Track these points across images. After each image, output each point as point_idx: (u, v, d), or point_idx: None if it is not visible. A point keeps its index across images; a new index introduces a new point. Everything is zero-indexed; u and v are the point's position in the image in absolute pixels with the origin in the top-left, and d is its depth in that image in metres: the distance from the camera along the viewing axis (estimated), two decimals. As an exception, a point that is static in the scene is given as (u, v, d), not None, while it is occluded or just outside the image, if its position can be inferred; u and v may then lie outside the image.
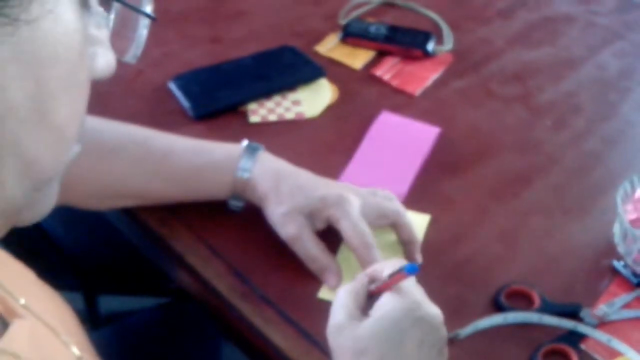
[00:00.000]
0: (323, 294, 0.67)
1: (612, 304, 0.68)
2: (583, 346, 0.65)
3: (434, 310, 0.55)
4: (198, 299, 0.70)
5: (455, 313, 0.66)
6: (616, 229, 0.73)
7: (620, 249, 0.72)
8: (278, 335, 0.64)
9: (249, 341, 0.66)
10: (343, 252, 0.70)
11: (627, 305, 0.68)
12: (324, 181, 0.70)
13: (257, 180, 0.68)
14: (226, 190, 0.70)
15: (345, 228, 0.66)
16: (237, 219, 0.73)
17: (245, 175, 0.68)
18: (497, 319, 0.66)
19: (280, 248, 0.68)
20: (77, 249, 0.81)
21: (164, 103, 0.87)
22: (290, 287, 0.68)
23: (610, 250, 0.73)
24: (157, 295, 1.06)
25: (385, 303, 0.55)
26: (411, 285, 0.56)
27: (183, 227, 0.72)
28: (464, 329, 0.65)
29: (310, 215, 0.67)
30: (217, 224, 0.73)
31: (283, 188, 0.68)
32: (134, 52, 0.46)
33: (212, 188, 0.70)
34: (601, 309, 0.67)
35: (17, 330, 0.40)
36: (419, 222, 0.74)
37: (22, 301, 0.44)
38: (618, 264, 0.71)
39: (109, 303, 1.15)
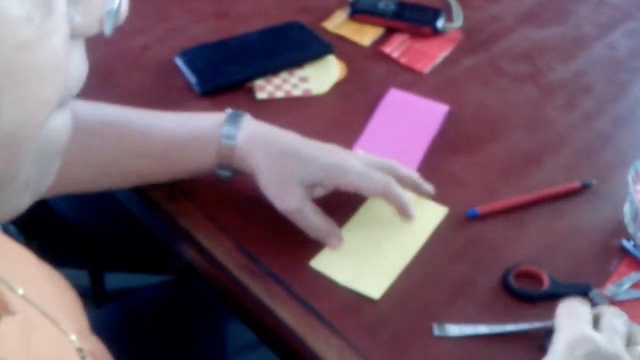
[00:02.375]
0: (316, 263, 0.67)
1: (621, 284, 0.67)
2: (593, 326, 0.64)
3: None
4: (206, 276, 0.70)
5: (463, 294, 0.66)
6: (626, 209, 0.73)
7: (631, 229, 0.71)
8: (286, 313, 0.64)
9: (256, 318, 0.66)
10: (352, 223, 0.71)
11: (636, 285, 0.68)
12: (317, 146, 0.69)
13: (243, 148, 0.67)
14: (212, 160, 0.68)
15: (363, 187, 0.67)
16: (245, 196, 0.72)
17: (230, 142, 0.67)
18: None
19: (289, 225, 0.68)
20: (83, 226, 0.81)
21: (170, 79, 0.86)
22: (298, 264, 0.68)
23: (620, 231, 0.72)
24: (163, 273, 1.06)
25: None
26: None
27: (191, 204, 0.72)
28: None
29: (312, 185, 0.67)
30: (224, 201, 0.72)
31: (277, 157, 0.66)
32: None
33: (197, 159, 0.68)
34: (610, 289, 0.67)
35: (4, 330, 0.38)
36: (434, 212, 0.73)
37: (21, 291, 0.42)
38: (628, 244, 0.71)
39: (114, 280, 1.15)
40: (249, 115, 0.70)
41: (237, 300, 0.67)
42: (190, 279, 0.95)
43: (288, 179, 0.66)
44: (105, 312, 0.92)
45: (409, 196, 0.73)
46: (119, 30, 0.39)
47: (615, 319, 0.58)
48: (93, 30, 0.37)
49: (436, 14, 0.96)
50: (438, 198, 0.74)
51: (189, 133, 0.68)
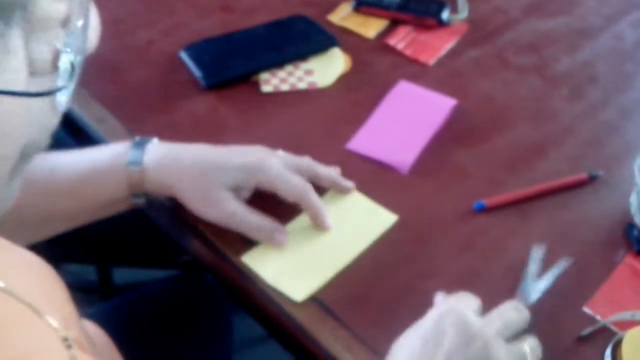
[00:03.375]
0: (247, 257, 0.67)
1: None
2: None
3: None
4: (211, 269, 0.71)
5: (468, 284, 0.66)
6: (633, 199, 0.73)
7: (637, 219, 0.71)
8: (291, 304, 0.64)
9: (262, 311, 0.66)
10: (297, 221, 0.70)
11: None
12: (230, 150, 0.69)
13: (153, 172, 0.65)
14: (123, 189, 0.66)
15: (281, 188, 0.67)
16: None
17: (136, 168, 0.65)
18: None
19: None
20: (90, 222, 0.82)
21: (175, 73, 0.87)
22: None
23: (626, 221, 0.72)
24: (169, 267, 1.06)
25: None
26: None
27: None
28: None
29: (236, 188, 0.66)
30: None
31: (192, 172, 0.65)
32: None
33: (106, 191, 0.67)
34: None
35: None
36: (382, 219, 0.71)
37: (1, 284, 0.42)
38: (630, 229, 0.71)
39: (122, 275, 1.16)
40: (156, 140, 0.68)
41: (243, 292, 0.67)
42: (196, 273, 0.95)
43: (210, 189, 0.65)
44: (112, 305, 0.93)
45: (361, 200, 0.72)
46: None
47: (510, 310, 0.58)
48: (47, 65, 0.34)
49: (441, 5, 0.96)
50: (444, 189, 0.75)
51: (92, 166, 0.66)
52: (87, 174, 0.66)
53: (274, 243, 0.67)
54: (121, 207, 0.69)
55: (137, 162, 0.65)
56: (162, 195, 0.67)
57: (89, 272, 1.13)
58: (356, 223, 0.70)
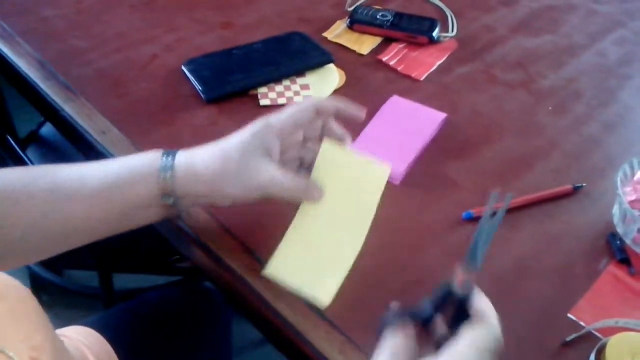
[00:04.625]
0: (271, 270, 0.66)
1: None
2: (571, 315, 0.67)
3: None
4: (212, 276, 0.72)
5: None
6: (615, 210, 0.75)
7: (619, 229, 0.74)
8: (287, 309, 0.66)
9: (260, 316, 0.67)
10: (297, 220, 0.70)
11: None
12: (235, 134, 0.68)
13: (184, 169, 0.65)
14: (154, 192, 0.65)
15: (296, 116, 0.68)
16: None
17: (167, 173, 0.65)
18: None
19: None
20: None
21: (177, 86, 0.89)
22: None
23: (609, 231, 0.75)
24: (169, 274, 1.08)
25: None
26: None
27: (197, 207, 0.74)
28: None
29: (266, 150, 0.66)
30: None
31: (223, 153, 0.66)
32: None
33: (139, 196, 0.65)
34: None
35: None
36: (376, 174, 0.71)
37: None
38: (612, 238, 0.73)
39: (123, 281, 1.17)
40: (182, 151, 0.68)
41: (242, 299, 0.69)
42: (196, 279, 0.97)
43: (247, 159, 0.65)
44: (114, 313, 0.93)
45: (352, 158, 0.71)
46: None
47: None
48: None
49: (432, 24, 0.99)
50: (435, 200, 0.77)
51: (124, 171, 0.66)
52: (117, 180, 0.65)
53: (310, 199, 0.68)
54: (149, 215, 0.68)
55: (169, 167, 0.65)
56: (194, 193, 0.66)
57: (91, 278, 1.14)
58: (355, 189, 0.70)
